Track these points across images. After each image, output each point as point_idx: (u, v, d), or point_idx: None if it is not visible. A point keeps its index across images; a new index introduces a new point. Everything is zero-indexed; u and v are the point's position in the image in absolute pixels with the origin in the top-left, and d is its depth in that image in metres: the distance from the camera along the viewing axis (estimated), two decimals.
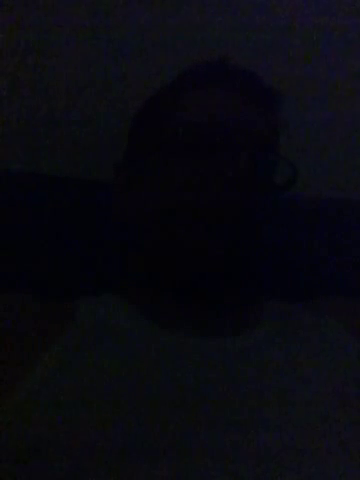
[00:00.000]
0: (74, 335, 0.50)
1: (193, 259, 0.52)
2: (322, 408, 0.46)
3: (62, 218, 0.72)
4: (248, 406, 0.45)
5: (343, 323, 0.56)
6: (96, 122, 0.82)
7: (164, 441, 0.41)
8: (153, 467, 0.40)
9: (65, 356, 0.47)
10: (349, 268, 0.74)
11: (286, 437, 0.43)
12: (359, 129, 0.88)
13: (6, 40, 0.82)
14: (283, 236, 0.74)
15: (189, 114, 0.56)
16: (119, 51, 0.84)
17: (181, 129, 0.55)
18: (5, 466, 0.41)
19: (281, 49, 0.87)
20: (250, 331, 0.53)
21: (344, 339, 0.54)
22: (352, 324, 0.56)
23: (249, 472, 0.40)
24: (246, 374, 0.48)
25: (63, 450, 0.41)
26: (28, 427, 0.42)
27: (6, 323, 0.51)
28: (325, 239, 0.75)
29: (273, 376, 0.48)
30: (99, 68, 0.84)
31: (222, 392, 0.46)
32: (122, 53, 0.84)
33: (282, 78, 0.85)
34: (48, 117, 0.82)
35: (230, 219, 0.52)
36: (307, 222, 0.76)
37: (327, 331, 0.55)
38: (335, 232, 0.76)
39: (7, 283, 0.66)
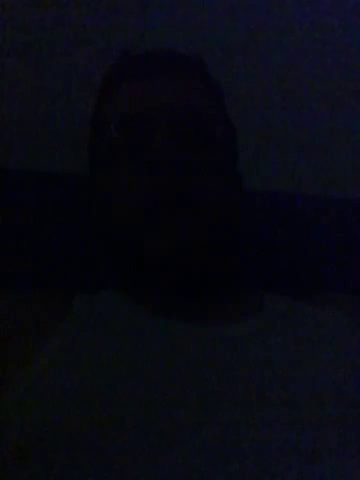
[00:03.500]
0: (71, 330, 0.50)
1: (152, 258, 0.52)
2: (323, 403, 0.46)
3: (61, 216, 0.72)
4: (248, 401, 0.44)
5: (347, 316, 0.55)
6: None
7: (164, 437, 0.41)
8: (153, 464, 0.40)
9: (62, 351, 0.47)
10: (349, 267, 0.74)
11: (286, 433, 0.43)
12: (358, 129, 0.88)
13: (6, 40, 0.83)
14: (283, 235, 0.74)
15: (112, 114, 0.56)
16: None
17: (111, 125, 0.55)
18: (5, 466, 0.41)
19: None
20: (250, 322, 0.53)
21: (347, 329, 0.54)
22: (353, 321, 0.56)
23: (249, 468, 0.40)
24: (246, 367, 0.47)
25: (62, 448, 0.41)
26: (27, 425, 0.42)
27: (6, 321, 0.51)
28: (325, 238, 0.75)
29: (273, 368, 0.47)
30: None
31: (221, 382, 0.45)
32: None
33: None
34: (47, 116, 0.82)
35: (182, 214, 0.51)
36: (307, 222, 0.76)
37: (330, 321, 0.54)
38: (335, 232, 0.76)
39: (8, 281, 0.66)
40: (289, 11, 0.88)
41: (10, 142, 0.80)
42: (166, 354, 0.48)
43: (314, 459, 0.41)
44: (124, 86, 0.58)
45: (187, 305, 0.54)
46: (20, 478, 0.41)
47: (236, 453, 0.41)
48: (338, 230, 0.76)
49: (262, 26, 0.88)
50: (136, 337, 0.49)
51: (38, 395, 0.44)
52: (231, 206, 0.56)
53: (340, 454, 0.42)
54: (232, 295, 0.57)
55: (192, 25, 0.85)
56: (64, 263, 0.71)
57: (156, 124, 0.53)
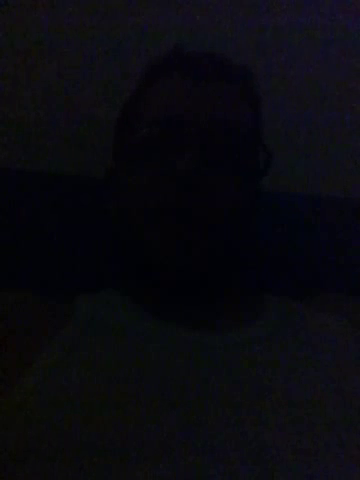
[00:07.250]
0: (72, 331, 0.50)
1: (165, 261, 0.51)
2: (323, 405, 0.46)
3: (62, 216, 0.72)
4: (248, 402, 0.44)
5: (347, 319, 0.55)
6: (96, 121, 0.82)
7: (164, 438, 0.41)
8: (153, 465, 0.40)
9: (64, 352, 0.47)
10: (349, 267, 0.74)
11: (286, 435, 0.43)
12: (358, 129, 0.88)
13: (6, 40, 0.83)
14: (283, 235, 0.74)
15: (150, 111, 0.56)
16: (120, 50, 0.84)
17: (145, 128, 0.54)
18: (5, 466, 0.41)
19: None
20: (251, 326, 0.53)
21: (347, 331, 0.54)
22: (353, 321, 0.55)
23: (249, 469, 0.40)
24: (246, 369, 0.47)
25: (63, 449, 0.41)
26: (28, 427, 0.42)
27: (6, 321, 0.51)
28: (325, 238, 0.75)
29: (273, 371, 0.48)
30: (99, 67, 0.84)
31: (221, 388, 0.45)
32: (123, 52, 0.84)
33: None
34: (48, 116, 0.82)
35: (202, 218, 0.51)
36: (307, 222, 0.76)
37: (329, 323, 0.54)
38: (335, 232, 0.76)
39: (8, 281, 0.66)
40: (289, 11, 0.88)
41: (10, 142, 0.81)
42: (167, 355, 0.48)
43: (314, 459, 0.41)
44: (166, 82, 0.57)
45: (188, 306, 0.54)
46: (20, 478, 0.41)
47: (236, 454, 0.41)
48: (338, 230, 0.76)
49: (262, 26, 0.88)
50: (137, 338, 0.50)
51: (39, 396, 0.44)
52: (241, 222, 0.55)
53: (340, 454, 0.42)
54: (232, 297, 0.57)
55: (192, 25, 0.85)
56: (64, 263, 0.71)
57: (188, 136, 0.52)
